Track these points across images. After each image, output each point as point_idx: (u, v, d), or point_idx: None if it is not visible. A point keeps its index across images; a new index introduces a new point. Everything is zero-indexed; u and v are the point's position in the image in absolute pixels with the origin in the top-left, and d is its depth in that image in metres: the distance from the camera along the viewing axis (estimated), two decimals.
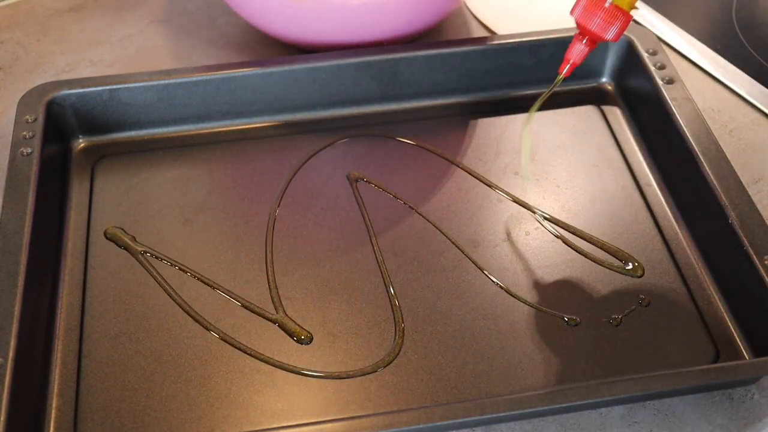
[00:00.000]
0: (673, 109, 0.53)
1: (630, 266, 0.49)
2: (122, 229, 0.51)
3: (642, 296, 0.48)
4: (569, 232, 0.51)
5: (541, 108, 0.59)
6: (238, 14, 0.61)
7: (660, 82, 0.54)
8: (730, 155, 0.50)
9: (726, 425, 0.42)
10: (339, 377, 0.44)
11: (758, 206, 0.47)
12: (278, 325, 0.46)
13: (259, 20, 0.59)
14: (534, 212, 0.52)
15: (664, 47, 0.59)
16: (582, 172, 0.55)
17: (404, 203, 0.53)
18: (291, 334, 0.46)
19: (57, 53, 0.64)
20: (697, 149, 0.50)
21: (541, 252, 0.50)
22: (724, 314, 0.47)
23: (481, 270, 0.49)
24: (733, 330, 0.46)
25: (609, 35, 0.46)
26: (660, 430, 0.42)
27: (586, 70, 0.60)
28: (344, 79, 0.57)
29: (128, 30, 0.66)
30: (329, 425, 0.39)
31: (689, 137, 0.51)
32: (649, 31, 0.58)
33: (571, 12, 0.47)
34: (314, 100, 0.57)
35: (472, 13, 0.67)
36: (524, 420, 0.43)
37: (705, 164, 0.49)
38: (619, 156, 0.56)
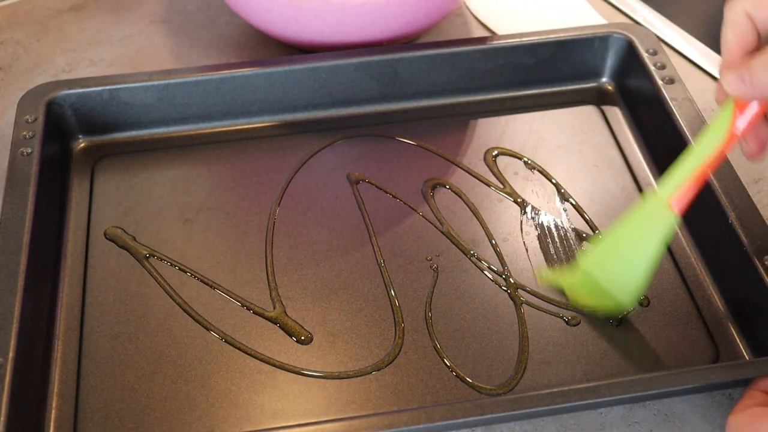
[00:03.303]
0: (673, 109, 0.53)
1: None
2: (122, 229, 0.51)
3: (642, 296, 0.48)
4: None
5: (542, 108, 0.59)
6: (238, 14, 0.61)
7: (660, 82, 0.54)
8: (730, 155, 0.50)
9: (726, 425, 0.42)
10: (339, 377, 0.44)
11: (758, 206, 0.47)
12: (278, 325, 0.46)
13: (259, 20, 0.59)
14: (531, 211, 0.52)
15: (664, 47, 0.59)
16: (582, 172, 0.55)
17: (404, 203, 0.53)
18: (291, 334, 0.46)
19: (57, 53, 0.64)
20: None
21: (541, 252, 0.50)
22: (724, 314, 0.47)
23: (481, 270, 0.49)
24: (733, 330, 0.46)
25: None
26: (660, 430, 0.42)
27: (586, 70, 0.60)
28: (344, 79, 0.57)
29: (128, 30, 0.66)
30: (329, 425, 0.39)
31: (689, 137, 0.51)
32: (649, 31, 0.58)
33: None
34: (314, 100, 0.57)
35: (472, 13, 0.68)
36: (524, 420, 0.43)
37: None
38: (619, 156, 0.56)
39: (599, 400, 0.40)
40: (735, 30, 0.39)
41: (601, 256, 0.44)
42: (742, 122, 0.40)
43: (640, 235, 0.42)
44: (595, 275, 0.44)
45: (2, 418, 0.38)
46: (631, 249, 0.43)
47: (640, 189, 0.53)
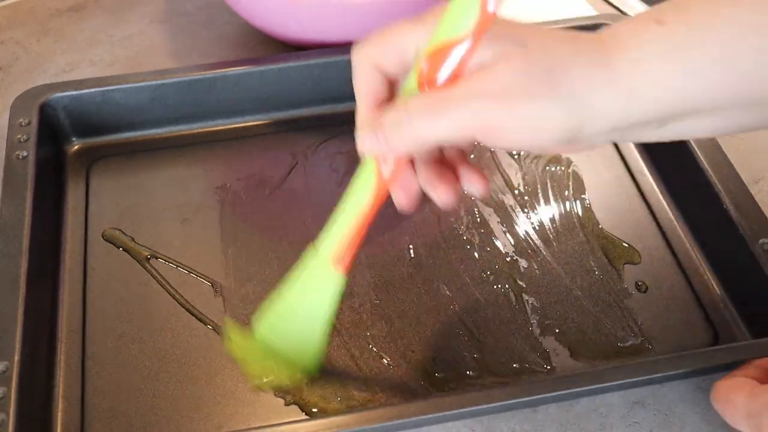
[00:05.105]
0: None
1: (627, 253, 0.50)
2: (120, 230, 0.51)
3: (639, 282, 0.48)
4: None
5: None
6: (238, 14, 0.61)
7: None
8: (730, 155, 0.50)
9: (726, 425, 0.42)
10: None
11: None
12: None
13: (259, 20, 0.59)
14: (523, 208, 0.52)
15: None
16: (576, 163, 0.55)
17: None
18: None
19: (57, 53, 0.64)
20: (693, 144, 0.50)
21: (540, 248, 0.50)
22: (722, 298, 0.47)
23: (481, 268, 0.49)
24: (730, 313, 0.46)
25: None
26: (660, 430, 0.42)
27: None
28: (338, 75, 0.57)
29: (128, 30, 0.66)
30: (336, 419, 0.39)
31: None
32: None
33: None
34: (309, 97, 0.57)
35: None
36: (527, 408, 0.43)
37: (702, 160, 0.49)
38: (617, 154, 0.56)
39: (603, 385, 0.41)
40: (363, 80, 0.35)
41: (276, 321, 0.41)
42: (386, 175, 0.36)
43: (310, 297, 0.40)
44: (271, 341, 0.41)
45: (11, 422, 0.38)
46: (304, 312, 0.40)
47: (638, 187, 0.54)
